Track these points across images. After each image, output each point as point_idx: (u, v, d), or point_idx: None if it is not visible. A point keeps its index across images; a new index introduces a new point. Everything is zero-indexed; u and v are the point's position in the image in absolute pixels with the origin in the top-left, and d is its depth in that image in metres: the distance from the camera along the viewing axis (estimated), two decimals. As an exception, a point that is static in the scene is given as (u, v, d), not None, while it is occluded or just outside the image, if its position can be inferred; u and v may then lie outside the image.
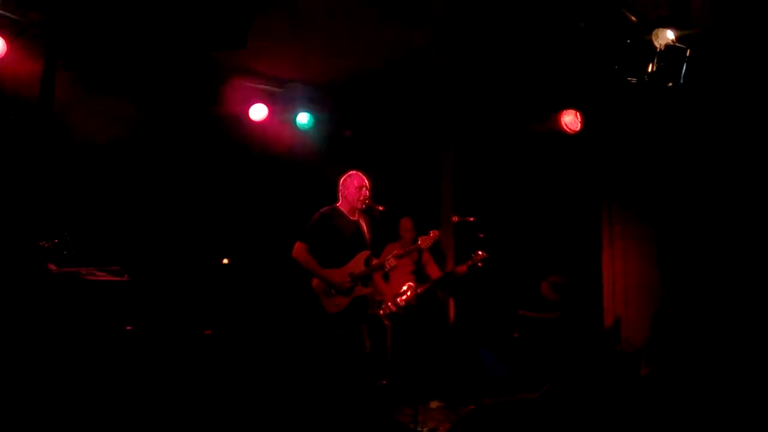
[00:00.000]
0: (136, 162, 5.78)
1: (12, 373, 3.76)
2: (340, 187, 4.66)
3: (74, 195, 5.24)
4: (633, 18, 4.44)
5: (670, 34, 4.33)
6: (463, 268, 5.76)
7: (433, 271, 5.91)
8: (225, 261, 6.36)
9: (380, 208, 4.59)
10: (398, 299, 5.62)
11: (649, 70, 4.39)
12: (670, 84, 4.41)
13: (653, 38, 4.34)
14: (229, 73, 5.80)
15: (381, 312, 5.62)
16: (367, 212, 4.64)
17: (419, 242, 4.82)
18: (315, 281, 4.46)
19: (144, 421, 4.17)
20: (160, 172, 5.93)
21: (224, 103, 5.93)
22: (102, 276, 4.35)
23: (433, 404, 5.59)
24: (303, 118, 6.32)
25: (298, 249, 4.48)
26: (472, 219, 5.65)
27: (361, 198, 4.57)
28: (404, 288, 5.66)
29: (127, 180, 5.71)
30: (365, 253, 4.60)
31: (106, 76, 5.25)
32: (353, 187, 4.59)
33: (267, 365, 5.53)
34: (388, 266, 4.62)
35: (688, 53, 4.34)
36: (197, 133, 6.09)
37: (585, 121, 5.97)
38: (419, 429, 4.43)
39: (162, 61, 5.35)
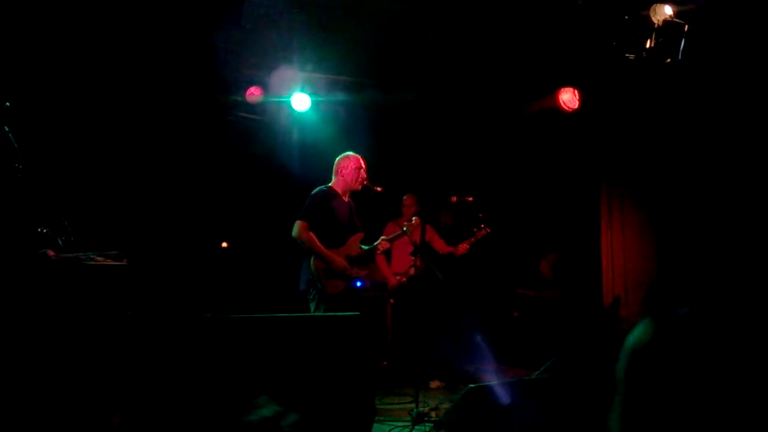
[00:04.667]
0: (134, 146, 5.77)
1: (12, 359, 3.77)
2: (337, 168, 4.64)
3: (71, 180, 5.24)
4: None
5: (668, 10, 4.29)
6: (465, 246, 5.78)
7: (440, 246, 5.91)
8: (224, 244, 6.37)
9: (378, 189, 4.58)
10: (401, 279, 5.68)
11: (647, 46, 4.35)
12: (669, 60, 4.37)
13: (651, 14, 4.29)
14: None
15: (386, 293, 5.68)
16: (365, 193, 4.63)
17: (405, 226, 4.91)
18: (316, 262, 4.42)
19: (145, 404, 4.19)
20: (157, 155, 5.92)
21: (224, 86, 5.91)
22: (101, 261, 4.35)
23: (434, 384, 5.64)
24: (299, 101, 6.26)
25: (300, 228, 4.40)
26: (470, 199, 5.64)
27: (359, 179, 4.56)
28: (406, 269, 5.71)
29: (124, 164, 5.70)
30: (359, 236, 4.61)
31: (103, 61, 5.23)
32: (352, 167, 4.57)
33: (265, 348, 5.55)
34: (380, 248, 4.65)
35: (686, 29, 4.30)
36: (194, 117, 6.07)
37: (583, 99, 5.94)
38: (420, 409, 4.47)
39: (155, 43, 5.32)
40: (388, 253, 5.79)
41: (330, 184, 4.62)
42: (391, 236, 4.87)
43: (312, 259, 4.39)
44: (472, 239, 5.65)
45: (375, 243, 4.69)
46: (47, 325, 3.93)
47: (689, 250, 5.84)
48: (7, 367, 3.73)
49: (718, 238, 5.62)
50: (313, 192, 4.53)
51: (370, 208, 4.78)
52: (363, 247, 4.61)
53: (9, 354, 3.76)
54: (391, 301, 5.86)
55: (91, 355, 4.01)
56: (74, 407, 3.84)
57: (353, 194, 4.68)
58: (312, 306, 4.45)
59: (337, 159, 4.67)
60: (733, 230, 5.45)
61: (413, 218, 5.09)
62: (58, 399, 3.80)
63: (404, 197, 6.07)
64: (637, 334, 1.02)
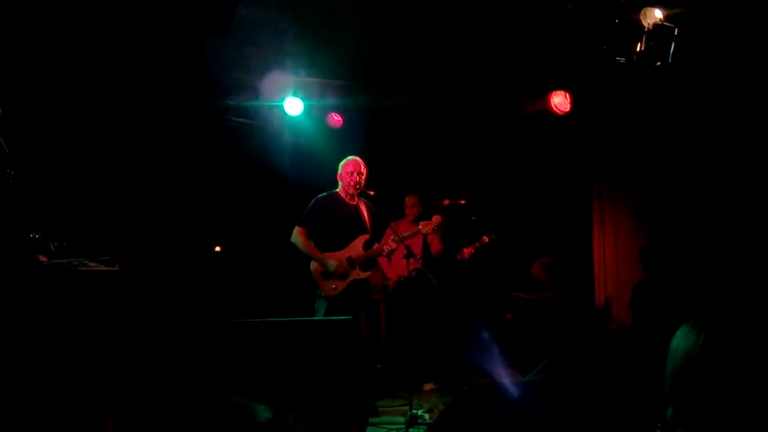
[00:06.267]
0: (125, 150, 5.75)
1: (4, 366, 3.75)
2: (339, 172, 4.71)
3: (63, 185, 5.22)
4: (621, -2, 4.43)
5: (658, 13, 4.33)
6: (469, 251, 5.78)
7: (436, 249, 5.91)
8: (217, 248, 6.36)
9: (371, 192, 4.62)
10: (400, 277, 5.69)
11: (638, 49, 4.38)
12: (659, 63, 4.40)
13: (641, 17, 4.33)
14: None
15: (380, 295, 5.69)
16: (363, 197, 4.67)
17: (420, 226, 4.80)
18: (314, 265, 4.49)
19: (137, 410, 4.18)
20: (149, 160, 5.90)
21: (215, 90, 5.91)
22: (93, 266, 4.34)
23: (427, 386, 5.65)
24: (294, 107, 6.25)
25: (296, 233, 4.55)
26: (463, 202, 5.64)
27: (352, 183, 4.61)
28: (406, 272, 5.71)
29: (116, 169, 5.68)
30: (364, 237, 4.63)
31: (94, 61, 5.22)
32: (347, 171, 4.66)
33: (261, 351, 5.54)
34: (386, 250, 4.62)
35: (676, 32, 4.34)
36: (186, 119, 6.06)
37: (574, 102, 5.97)
38: (414, 411, 4.48)
39: (146, 47, 5.32)
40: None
41: (336, 189, 4.68)
42: (400, 236, 4.75)
43: (311, 262, 4.47)
44: (477, 244, 5.64)
45: (380, 245, 4.70)
46: (39, 332, 3.91)
47: (676, 250, 5.88)
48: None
49: (706, 239, 5.67)
50: (314, 198, 4.61)
51: (375, 212, 4.76)
52: (366, 249, 4.60)
53: (1, 360, 3.74)
54: (385, 295, 5.84)
55: (83, 361, 4.00)
56: (66, 413, 3.82)
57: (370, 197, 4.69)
58: (315, 307, 4.50)
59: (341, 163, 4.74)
60: (722, 231, 5.49)
61: (434, 217, 4.90)
62: (51, 405, 3.79)
63: (406, 198, 6.06)
64: (684, 343, 1.00)
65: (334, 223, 4.55)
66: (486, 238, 5.59)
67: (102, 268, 4.37)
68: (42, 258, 4.16)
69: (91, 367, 4.03)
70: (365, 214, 4.66)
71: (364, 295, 4.64)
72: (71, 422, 3.82)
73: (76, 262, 4.27)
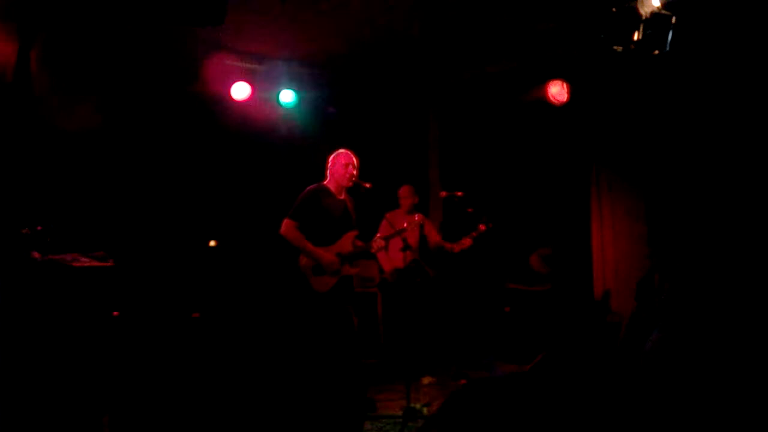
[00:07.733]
0: (118, 144, 5.71)
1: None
2: (329, 165, 4.67)
3: (56, 180, 5.17)
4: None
5: (655, 2, 4.28)
6: (467, 242, 5.75)
7: (434, 240, 5.89)
8: (212, 243, 6.32)
9: (367, 185, 4.59)
10: (398, 271, 5.67)
11: (635, 38, 4.33)
12: (656, 52, 4.36)
13: (638, 6, 4.28)
14: (209, 50, 5.71)
15: (376, 288, 5.69)
16: (354, 190, 4.65)
17: (405, 225, 4.90)
18: (303, 260, 4.44)
19: (133, 406, 4.16)
20: (143, 154, 5.86)
21: (206, 81, 5.85)
22: (87, 262, 4.30)
23: (426, 380, 5.62)
24: (287, 97, 6.24)
25: (287, 226, 4.44)
26: (460, 193, 5.59)
27: (347, 175, 4.58)
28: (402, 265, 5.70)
29: (109, 163, 5.64)
30: (353, 233, 4.62)
31: (83, 57, 5.16)
32: (340, 164, 4.60)
33: (255, 347, 5.53)
34: (375, 247, 4.64)
35: (673, 20, 4.29)
36: (179, 114, 6.02)
37: (572, 92, 5.93)
38: (412, 405, 4.46)
39: (141, 38, 5.26)
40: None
41: (324, 182, 4.64)
42: (387, 234, 4.83)
43: (300, 257, 4.42)
44: (474, 234, 5.60)
45: (369, 243, 4.69)
46: (33, 328, 3.88)
47: (678, 243, 5.85)
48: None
49: (707, 231, 5.64)
50: (304, 190, 4.54)
51: (364, 203, 4.77)
52: (354, 246, 4.60)
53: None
54: (383, 288, 5.83)
55: (79, 357, 3.97)
56: (62, 409, 3.80)
57: (349, 190, 4.69)
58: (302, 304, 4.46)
59: (329, 156, 4.68)
60: (723, 223, 5.47)
61: (415, 215, 5.19)
62: (46, 402, 3.76)
63: (400, 189, 6.02)
64: None
65: (325, 217, 4.50)
66: (483, 227, 5.54)
67: (96, 263, 4.34)
68: (35, 254, 4.12)
69: (86, 363, 4.01)
70: (351, 209, 4.66)
71: (351, 290, 4.64)
72: (68, 417, 3.80)
73: (70, 258, 4.24)
